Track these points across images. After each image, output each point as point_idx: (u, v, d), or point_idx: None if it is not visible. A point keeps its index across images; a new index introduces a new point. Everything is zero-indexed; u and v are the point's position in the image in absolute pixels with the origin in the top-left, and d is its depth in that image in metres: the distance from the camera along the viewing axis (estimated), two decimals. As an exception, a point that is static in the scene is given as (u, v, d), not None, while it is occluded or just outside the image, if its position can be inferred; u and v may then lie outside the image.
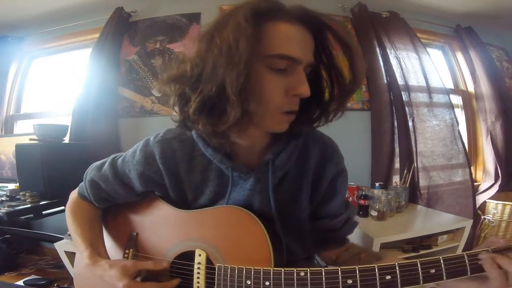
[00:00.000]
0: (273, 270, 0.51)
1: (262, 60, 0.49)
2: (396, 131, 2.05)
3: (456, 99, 2.52)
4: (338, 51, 0.54)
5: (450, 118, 2.14)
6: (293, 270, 0.49)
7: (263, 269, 0.51)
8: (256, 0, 0.50)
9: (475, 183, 2.37)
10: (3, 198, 1.60)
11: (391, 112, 2.06)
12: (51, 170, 1.59)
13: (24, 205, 1.46)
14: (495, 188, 2.21)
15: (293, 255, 0.67)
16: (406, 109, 2.05)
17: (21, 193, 1.55)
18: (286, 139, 0.62)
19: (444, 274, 0.45)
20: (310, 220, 0.69)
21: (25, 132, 2.01)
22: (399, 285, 0.45)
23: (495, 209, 2.00)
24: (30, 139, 1.72)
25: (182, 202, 0.68)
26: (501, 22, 2.37)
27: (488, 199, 2.10)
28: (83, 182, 0.73)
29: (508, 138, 2.27)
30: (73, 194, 0.76)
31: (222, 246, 0.59)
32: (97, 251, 0.65)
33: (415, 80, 2.12)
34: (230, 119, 0.49)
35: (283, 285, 0.49)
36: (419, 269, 0.45)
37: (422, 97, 2.12)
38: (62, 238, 1.45)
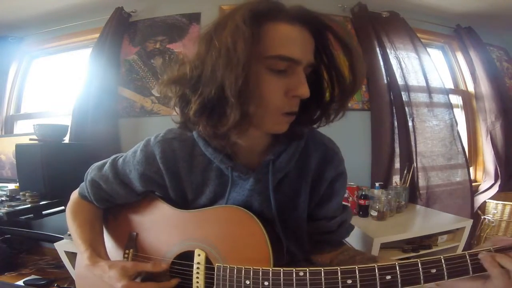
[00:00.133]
0: (272, 270, 0.50)
1: (262, 61, 0.49)
2: (396, 131, 2.05)
3: (456, 99, 2.52)
4: (339, 51, 0.54)
5: (450, 119, 2.14)
6: (292, 270, 0.49)
7: (262, 269, 0.51)
8: (255, 0, 0.50)
9: (475, 183, 2.38)
10: (3, 198, 1.60)
11: (391, 112, 2.06)
12: (51, 170, 1.59)
13: (24, 205, 1.46)
14: (495, 188, 2.21)
15: (292, 256, 0.67)
16: (406, 109, 2.04)
17: (21, 193, 1.55)
18: (287, 140, 0.62)
19: (445, 273, 0.44)
20: (307, 221, 0.69)
21: (25, 132, 2.00)
22: (399, 285, 0.45)
23: (495, 209, 2.00)
24: (30, 139, 1.72)
25: (183, 202, 0.68)
26: (501, 22, 2.37)
27: (488, 199, 2.10)
28: (83, 182, 0.73)
29: (508, 138, 2.27)
30: (74, 195, 0.76)
31: (221, 246, 0.59)
32: (97, 251, 0.65)
33: (415, 80, 2.12)
34: (230, 121, 0.49)
35: (282, 285, 0.49)
36: (420, 269, 0.45)
37: (422, 97, 2.12)
38: (62, 238, 1.45)
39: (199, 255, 0.59)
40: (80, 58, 2.34)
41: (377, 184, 1.75)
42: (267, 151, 0.63)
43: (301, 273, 0.49)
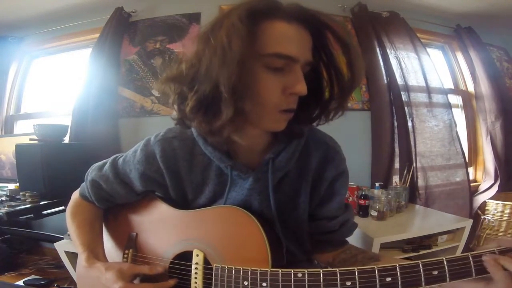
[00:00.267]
0: (270, 271, 0.50)
1: (259, 59, 0.49)
2: (396, 131, 2.05)
3: (456, 99, 2.52)
4: (338, 51, 0.54)
5: (449, 119, 2.14)
6: (291, 271, 0.49)
7: (260, 270, 0.51)
8: None
9: (475, 183, 2.38)
10: (3, 198, 1.60)
11: (391, 112, 2.05)
12: (51, 170, 1.59)
13: (24, 205, 1.46)
14: (495, 188, 2.21)
15: (293, 257, 0.67)
16: (406, 109, 2.04)
17: (21, 193, 1.55)
18: (287, 139, 0.62)
19: (447, 275, 0.43)
20: (308, 221, 0.69)
21: (25, 132, 2.00)
22: (399, 287, 0.44)
23: (495, 209, 2.00)
24: (30, 139, 1.72)
25: (183, 201, 0.68)
26: (501, 22, 2.37)
27: (488, 199, 2.10)
28: (84, 183, 0.73)
29: (508, 138, 2.27)
30: (75, 195, 0.76)
31: (220, 246, 0.59)
32: (95, 253, 0.66)
33: (414, 80, 2.12)
34: (223, 117, 0.49)
35: (280, 286, 0.49)
36: (421, 271, 0.44)
37: (421, 97, 2.12)
38: (62, 238, 1.45)
39: (197, 255, 0.59)
40: (80, 58, 2.34)
41: (377, 184, 1.75)
42: (267, 150, 0.63)
43: (300, 274, 0.48)
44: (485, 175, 2.40)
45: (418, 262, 0.44)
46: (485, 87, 2.33)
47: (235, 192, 0.64)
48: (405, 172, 1.91)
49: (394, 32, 2.13)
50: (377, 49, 2.07)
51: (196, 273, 0.59)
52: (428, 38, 2.41)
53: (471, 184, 2.20)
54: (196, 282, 0.59)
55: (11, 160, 1.90)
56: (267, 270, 0.50)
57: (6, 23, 2.28)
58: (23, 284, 1.65)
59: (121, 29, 2.08)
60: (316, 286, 0.47)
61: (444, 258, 0.44)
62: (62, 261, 1.41)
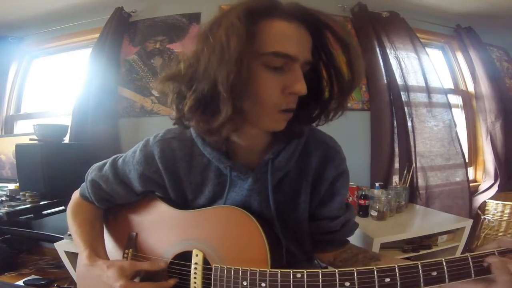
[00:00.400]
0: (269, 271, 0.50)
1: (258, 58, 0.49)
2: (395, 131, 2.05)
3: (456, 99, 2.53)
4: (338, 50, 0.53)
5: (448, 119, 2.15)
6: (290, 271, 0.49)
7: (259, 270, 0.51)
8: None
9: (475, 183, 2.38)
10: (3, 198, 1.60)
11: (391, 112, 2.06)
12: (51, 170, 1.59)
13: (24, 205, 1.46)
14: (495, 188, 2.21)
15: (293, 257, 0.67)
16: (406, 109, 2.05)
17: (21, 193, 1.55)
18: (287, 139, 0.62)
19: (446, 276, 0.43)
20: (309, 221, 0.69)
21: (25, 132, 2.00)
22: None
23: (495, 209, 2.00)
24: (30, 139, 1.72)
25: (182, 202, 0.68)
26: (501, 22, 2.36)
27: (488, 199, 2.10)
28: (84, 183, 0.74)
29: (508, 138, 2.27)
30: (75, 195, 0.76)
31: (219, 247, 0.59)
32: (96, 251, 0.66)
33: (414, 80, 2.12)
34: (222, 116, 0.49)
35: (279, 286, 0.49)
36: (420, 272, 0.44)
37: (421, 97, 2.12)
38: (62, 238, 1.45)
39: (197, 255, 0.59)
40: (80, 58, 2.34)
41: (377, 184, 1.75)
42: (266, 150, 0.63)
43: (299, 275, 0.48)
44: (485, 175, 2.40)
45: (417, 263, 0.44)
46: (485, 87, 2.33)
47: (234, 193, 0.64)
48: (405, 172, 1.91)
49: (394, 32, 2.13)
50: (377, 49, 2.07)
51: (195, 273, 0.59)
52: (428, 38, 2.42)
53: (471, 184, 2.20)
54: (195, 282, 0.59)
55: (11, 160, 1.90)
56: (266, 271, 0.50)
57: (6, 23, 2.28)
58: (23, 284, 1.65)
59: (121, 29, 2.08)
60: (315, 287, 0.47)
61: (443, 259, 0.44)
62: (62, 261, 1.41)
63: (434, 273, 0.44)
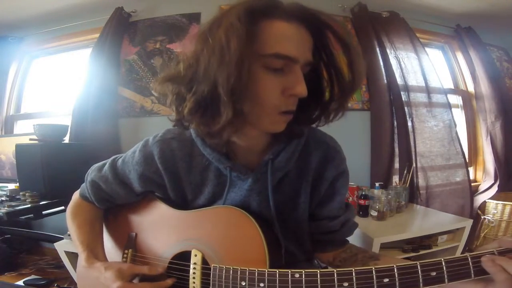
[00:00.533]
0: (267, 271, 0.50)
1: (258, 60, 0.48)
2: (395, 131, 2.05)
3: (456, 99, 2.52)
4: (339, 51, 0.53)
5: (448, 119, 2.14)
6: (288, 271, 0.49)
7: (257, 270, 0.51)
8: None
9: (475, 183, 2.38)
10: (3, 198, 1.60)
11: (391, 112, 2.05)
12: (51, 170, 1.59)
13: (24, 205, 1.46)
14: (495, 188, 2.21)
15: (292, 257, 0.67)
16: (406, 109, 2.05)
17: (21, 193, 1.55)
18: (287, 139, 0.61)
19: (445, 276, 0.43)
20: (308, 221, 0.69)
21: (25, 132, 2.01)
22: None
23: (495, 209, 2.00)
24: (30, 139, 1.72)
25: (182, 202, 0.68)
26: (501, 22, 2.36)
27: (488, 199, 2.10)
28: (84, 183, 0.74)
29: (507, 138, 2.27)
30: (75, 195, 0.76)
31: (218, 247, 0.59)
32: (94, 253, 0.66)
33: (414, 80, 2.12)
34: (223, 119, 0.48)
35: (277, 286, 0.49)
36: (419, 272, 0.43)
37: (421, 97, 2.12)
38: (62, 238, 1.45)
39: (195, 255, 0.59)
40: (80, 58, 2.34)
41: (377, 184, 1.75)
42: (266, 150, 0.62)
43: (297, 275, 0.48)
44: (485, 175, 2.40)
45: (416, 263, 0.44)
46: (485, 87, 2.33)
47: (234, 193, 0.64)
48: (405, 172, 1.91)
49: (394, 32, 2.13)
50: (377, 49, 2.07)
51: (194, 273, 0.59)
52: (428, 38, 2.41)
53: (471, 184, 2.20)
54: (194, 282, 0.59)
55: (11, 160, 1.90)
56: (265, 271, 0.50)
57: (6, 23, 2.28)
58: (23, 284, 1.65)
59: (121, 29, 2.08)
60: (314, 287, 0.47)
61: (442, 259, 0.43)
62: (62, 261, 1.41)
63: (433, 273, 0.43)
